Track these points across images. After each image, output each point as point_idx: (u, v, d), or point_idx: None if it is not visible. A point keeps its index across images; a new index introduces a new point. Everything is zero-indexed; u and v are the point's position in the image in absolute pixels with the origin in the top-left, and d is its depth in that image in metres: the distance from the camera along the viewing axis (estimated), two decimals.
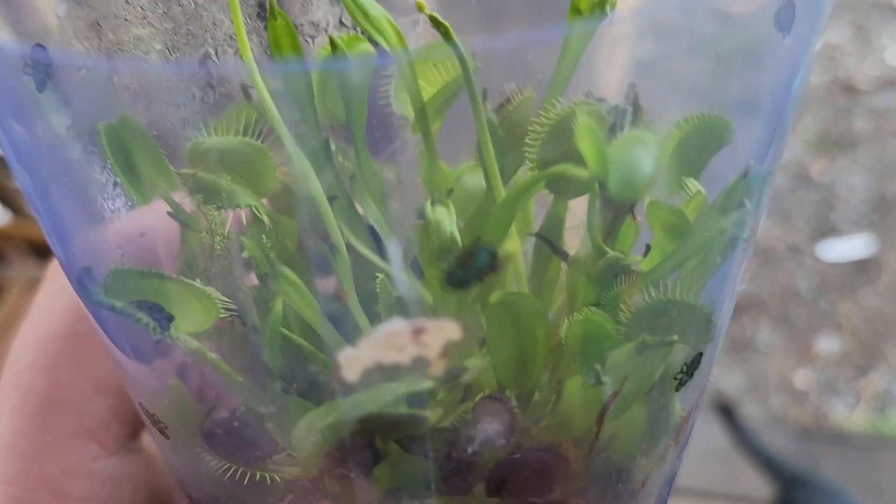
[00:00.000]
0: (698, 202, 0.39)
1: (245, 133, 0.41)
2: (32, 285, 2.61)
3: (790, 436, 3.16)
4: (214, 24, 0.48)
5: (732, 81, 0.41)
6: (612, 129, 0.40)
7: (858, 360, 3.42)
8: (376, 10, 0.42)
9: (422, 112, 0.39)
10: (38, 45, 0.39)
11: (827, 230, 3.81)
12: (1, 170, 2.79)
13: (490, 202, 0.36)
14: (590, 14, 0.37)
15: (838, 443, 3.16)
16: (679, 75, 0.43)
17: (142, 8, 0.46)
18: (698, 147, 0.40)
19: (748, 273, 3.70)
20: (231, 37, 0.47)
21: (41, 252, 3.04)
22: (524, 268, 0.40)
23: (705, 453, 3.13)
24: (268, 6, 0.39)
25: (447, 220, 0.37)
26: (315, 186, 0.37)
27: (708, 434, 3.23)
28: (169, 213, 0.40)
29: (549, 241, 0.41)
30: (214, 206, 0.39)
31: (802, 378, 3.40)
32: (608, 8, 0.36)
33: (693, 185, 0.39)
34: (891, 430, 3.21)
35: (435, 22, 0.36)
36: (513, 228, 0.35)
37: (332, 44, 0.38)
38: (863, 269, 3.67)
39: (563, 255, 0.41)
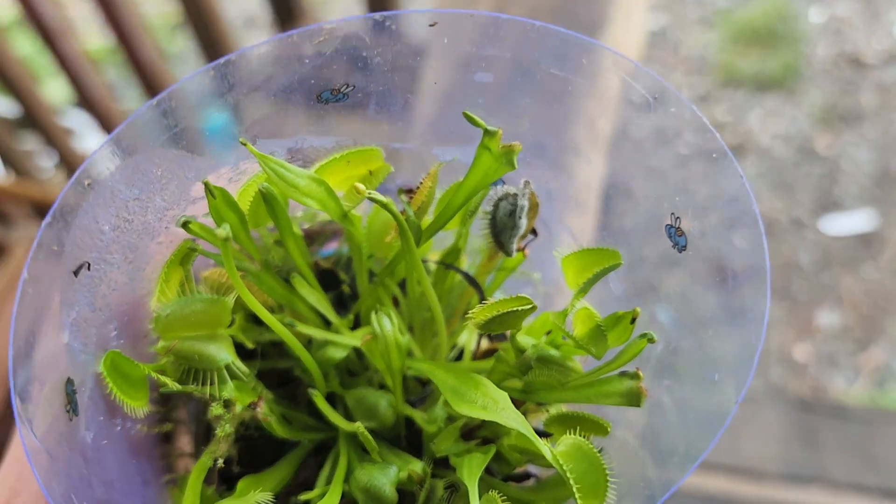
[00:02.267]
0: (586, 313, 0.56)
1: (182, 290, 0.53)
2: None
3: (789, 408, 3.19)
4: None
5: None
6: (511, 215, 0.53)
7: (859, 334, 3.43)
8: (307, 182, 0.53)
9: (360, 259, 0.62)
10: None
11: (830, 204, 3.81)
12: (5, 130, 2.81)
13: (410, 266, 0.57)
14: (495, 161, 0.49)
15: (837, 415, 3.17)
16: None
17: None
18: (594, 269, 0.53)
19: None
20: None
21: (44, 213, 3.06)
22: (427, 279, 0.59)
23: None
24: (205, 187, 0.51)
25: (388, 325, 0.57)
26: (259, 310, 0.50)
27: (704, 407, 3.25)
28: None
29: (449, 265, 0.64)
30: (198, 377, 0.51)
31: (802, 351, 3.42)
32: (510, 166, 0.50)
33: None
34: (889, 404, 3.23)
35: (375, 200, 0.49)
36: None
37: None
38: (865, 243, 3.67)
39: (463, 274, 0.65)
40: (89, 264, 0.53)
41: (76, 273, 0.52)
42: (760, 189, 3.89)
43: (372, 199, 0.52)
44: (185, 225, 0.55)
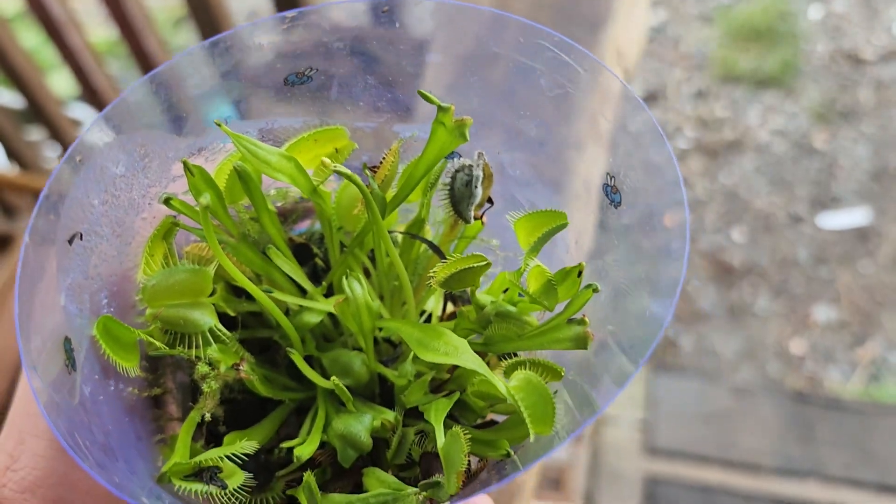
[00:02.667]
0: (539, 270, 0.60)
1: (166, 263, 0.58)
2: None
3: (786, 401, 3.21)
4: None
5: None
6: (467, 185, 0.59)
7: (855, 329, 3.45)
8: (278, 158, 0.58)
9: (330, 231, 0.67)
10: None
11: (828, 200, 3.84)
12: (9, 122, 2.85)
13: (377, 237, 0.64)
14: (450, 135, 0.55)
15: (833, 408, 3.20)
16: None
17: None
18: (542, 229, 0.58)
19: (747, 239, 3.74)
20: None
21: None
22: (395, 250, 0.64)
23: (701, 419, 3.19)
24: (183, 166, 0.56)
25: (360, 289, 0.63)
26: (238, 276, 0.55)
27: (704, 400, 3.29)
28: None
29: (413, 235, 0.69)
30: (184, 340, 0.56)
31: (799, 345, 3.44)
32: (464, 137, 0.55)
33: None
34: (886, 398, 3.25)
35: (341, 172, 0.54)
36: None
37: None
38: (862, 238, 3.69)
39: (427, 242, 0.70)
40: (81, 234, 0.58)
41: (70, 242, 0.57)
42: (758, 184, 3.92)
43: (338, 172, 0.58)
44: (166, 201, 0.60)
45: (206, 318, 0.60)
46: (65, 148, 2.88)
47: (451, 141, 0.59)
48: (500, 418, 0.68)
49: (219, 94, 0.64)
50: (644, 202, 0.57)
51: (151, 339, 0.59)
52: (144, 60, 2.42)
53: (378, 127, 0.68)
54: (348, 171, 0.57)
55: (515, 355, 0.65)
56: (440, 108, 0.59)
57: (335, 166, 0.57)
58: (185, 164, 0.58)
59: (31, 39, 4.08)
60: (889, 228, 3.73)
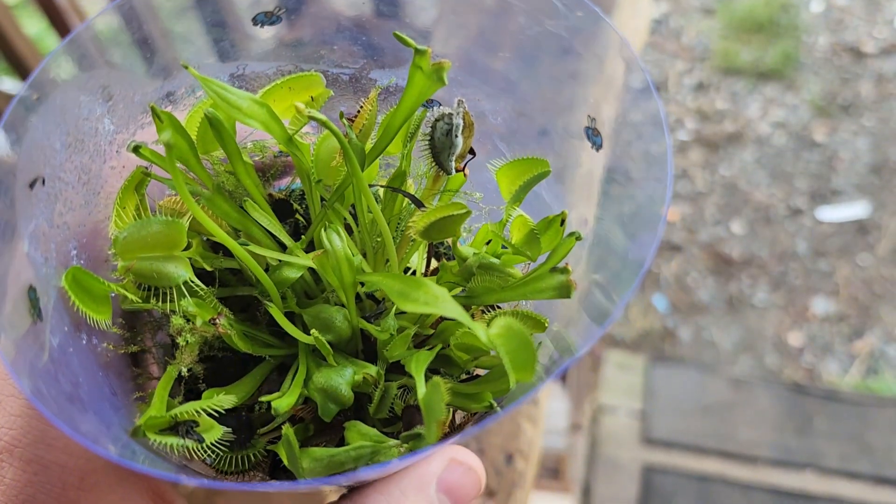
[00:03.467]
0: (522, 221, 0.60)
1: (138, 215, 0.56)
2: None
3: (784, 393, 3.20)
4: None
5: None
6: (447, 134, 0.57)
7: (854, 322, 3.44)
8: (249, 104, 0.56)
9: (310, 186, 0.65)
10: None
11: (828, 193, 3.83)
12: (6, 104, 2.84)
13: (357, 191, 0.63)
14: (427, 79, 0.53)
15: (831, 400, 3.19)
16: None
17: None
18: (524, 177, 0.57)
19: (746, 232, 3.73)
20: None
21: None
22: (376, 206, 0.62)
23: (699, 410, 3.18)
24: (152, 112, 0.54)
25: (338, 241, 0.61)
26: (213, 227, 0.53)
27: (702, 391, 3.28)
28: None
29: (395, 189, 0.67)
30: (159, 294, 0.54)
31: (797, 337, 3.43)
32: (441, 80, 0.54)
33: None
34: (883, 390, 3.24)
35: (315, 118, 0.52)
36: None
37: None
38: (862, 231, 3.68)
39: (408, 196, 0.69)
40: (44, 179, 0.56)
41: (31, 186, 0.55)
42: (759, 177, 3.91)
43: (313, 119, 0.56)
44: (135, 149, 0.58)
45: (181, 271, 0.58)
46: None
47: (429, 86, 0.58)
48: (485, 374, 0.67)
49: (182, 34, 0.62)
50: (625, 141, 0.56)
51: (125, 292, 0.57)
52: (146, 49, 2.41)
53: (355, 73, 0.67)
54: (323, 118, 0.55)
55: (500, 307, 0.64)
56: (417, 51, 0.57)
57: (309, 111, 0.56)
58: (153, 109, 0.56)
59: (33, 27, 4.07)
60: (888, 222, 3.72)
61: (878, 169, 3.88)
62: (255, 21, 0.62)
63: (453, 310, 0.51)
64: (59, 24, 2.41)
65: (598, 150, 0.58)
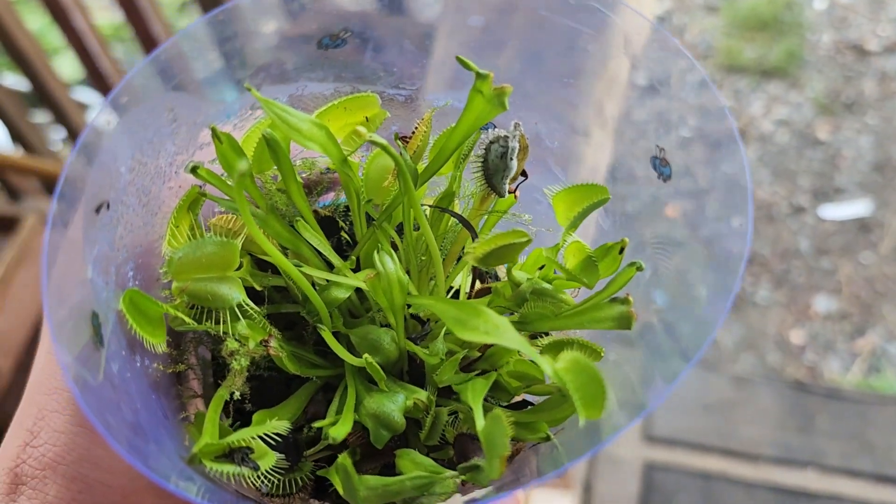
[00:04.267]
0: (577, 247, 0.60)
1: (192, 235, 0.56)
2: (45, 218, 2.66)
3: (785, 391, 3.21)
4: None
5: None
6: (502, 157, 0.56)
7: (856, 320, 3.45)
8: (309, 126, 0.56)
9: (358, 204, 0.65)
10: None
11: (831, 191, 3.83)
12: (15, 105, 2.83)
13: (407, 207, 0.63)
14: (487, 104, 0.53)
15: (832, 398, 3.19)
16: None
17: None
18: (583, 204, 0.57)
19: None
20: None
21: (52, 188, 3.10)
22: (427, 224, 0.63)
23: (701, 407, 3.18)
24: (212, 132, 0.53)
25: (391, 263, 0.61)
26: (270, 249, 0.53)
27: (703, 388, 3.28)
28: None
29: (443, 209, 0.67)
30: (212, 314, 0.54)
31: (800, 335, 3.44)
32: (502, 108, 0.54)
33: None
34: (885, 388, 3.25)
35: (375, 142, 0.52)
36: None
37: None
38: (865, 230, 3.68)
39: (457, 216, 0.68)
40: (108, 204, 0.55)
41: (97, 211, 0.54)
42: (762, 175, 3.91)
43: (372, 142, 0.55)
44: (193, 170, 0.57)
45: (235, 293, 0.58)
46: (70, 131, 2.87)
47: (489, 110, 0.57)
48: (529, 398, 0.66)
49: (242, 58, 0.61)
50: (699, 175, 0.55)
51: (179, 314, 0.57)
52: (149, 44, 2.41)
53: (411, 95, 0.66)
54: (383, 141, 0.55)
55: (548, 334, 0.63)
56: (478, 76, 0.56)
57: (370, 136, 0.55)
58: (213, 130, 0.56)
59: (36, 22, 4.05)
60: (891, 220, 3.72)
61: (881, 167, 3.88)
62: (319, 45, 0.61)
63: (516, 341, 0.50)
64: (62, 20, 2.40)
65: (665, 181, 0.58)
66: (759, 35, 4.38)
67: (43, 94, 2.73)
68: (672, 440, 3.14)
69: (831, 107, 4.11)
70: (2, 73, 3.82)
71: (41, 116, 3.72)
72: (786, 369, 3.35)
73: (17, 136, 2.93)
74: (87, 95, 3.95)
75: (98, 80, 2.61)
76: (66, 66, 3.97)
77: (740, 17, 4.47)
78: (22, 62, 2.58)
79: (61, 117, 2.82)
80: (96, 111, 0.52)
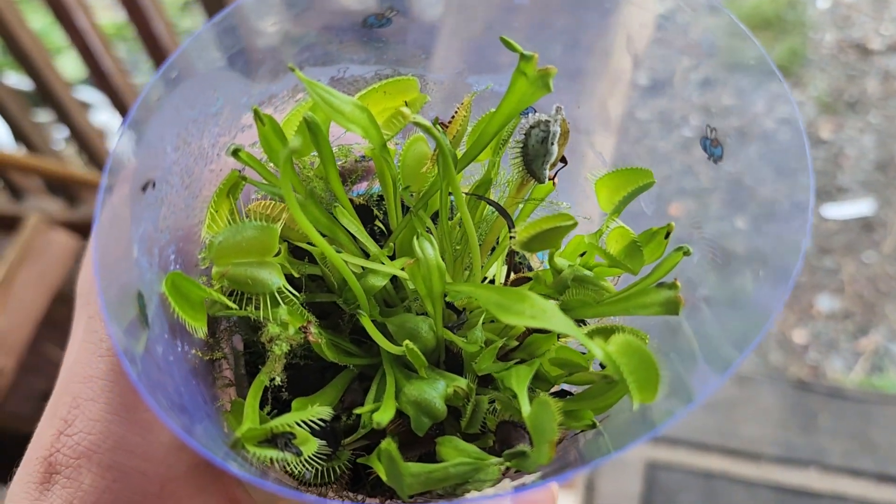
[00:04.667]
0: (620, 232, 0.59)
1: (232, 219, 0.55)
2: (48, 217, 2.65)
3: (788, 390, 3.21)
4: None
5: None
6: (543, 142, 0.55)
7: (859, 319, 3.45)
8: (352, 108, 0.55)
9: (394, 190, 0.64)
10: None
11: (834, 190, 3.83)
12: (17, 104, 2.82)
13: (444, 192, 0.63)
14: (531, 85, 0.52)
15: (835, 397, 3.19)
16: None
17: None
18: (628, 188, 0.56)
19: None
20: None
21: (54, 187, 3.09)
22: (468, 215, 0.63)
23: (703, 407, 3.17)
24: (254, 114, 0.53)
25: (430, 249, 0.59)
26: (313, 234, 0.52)
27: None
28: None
29: (480, 196, 0.67)
30: (251, 300, 0.53)
31: (802, 335, 3.44)
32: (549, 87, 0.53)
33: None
34: (887, 387, 3.25)
35: (418, 124, 0.51)
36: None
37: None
38: (867, 229, 3.68)
39: (493, 204, 0.67)
40: (154, 183, 0.55)
41: (143, 189, 0.53)
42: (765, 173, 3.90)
43: (416, 124, 0.55)
44: (234, 152, 0.56)
45: (275, 278, 0.57)
46: (72, 130, 2.85)
47: (533, 92, 0.56)
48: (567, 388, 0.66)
49: (287, 36, 0.60)
50: (752, 157, 0.54)
51: (222, 298, 0.56)
52: (152, 43, 2.40)
53: (450, 78, 0.65)
54: (427, 123, 0.54)
55: (585, 322, 0.62)
56: (522, 57, 0.55)
57: (414, 117, 0.54)
58: (255, 112, 0.55)
59: (38, 21, 4.04)
60: (894, 219, 3.72)
61: (883, 166, 3.88)
62: (365, 24, 0.60)
63: (564, 324, 0.49)
64: (65, 19, 2.39)
65: (716, 161, 0.57)
66: (762, 33, 4.38)
67: (45, 94, 2.72)
68: (674, 439, 3.13)
69: (834, 106, 4.11)
70: (4, 72, 3.81)
71: (44, 116, 3.71)
72: (788, 368, 3.35)
73: (19, 135, 2.92)
74: (89, 95, 3.94)
75: (100, 79, 2.60)
76: (69, 65, 3.97)
77: (743, 15, 4.46)
78: (25, 61, 2.57)
79: (64, 116, 2.81)
80: (148, 84, 0.51)
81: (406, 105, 0.62)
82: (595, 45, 0.61)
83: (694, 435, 3.13)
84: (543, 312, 0.50)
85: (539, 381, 0.63)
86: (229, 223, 0.57)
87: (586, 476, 3.03)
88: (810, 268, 3.61)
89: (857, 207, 3.79)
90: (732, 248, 0.57)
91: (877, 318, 3.45)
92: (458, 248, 0.67)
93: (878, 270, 3.58)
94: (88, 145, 2.92)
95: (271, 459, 0.53)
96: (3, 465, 0.85)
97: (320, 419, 0.57)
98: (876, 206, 3.77)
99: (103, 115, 3.97)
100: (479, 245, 0.69)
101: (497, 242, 0.69)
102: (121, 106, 2.70)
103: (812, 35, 4.38)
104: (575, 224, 0.55)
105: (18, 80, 3.57)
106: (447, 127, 0.61)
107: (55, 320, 2.56)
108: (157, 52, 2.43)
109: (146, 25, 2.35)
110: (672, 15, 0.58)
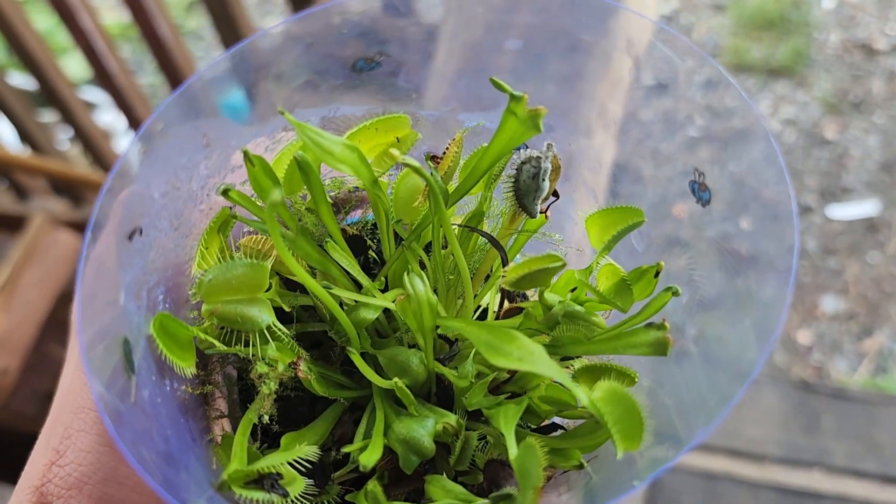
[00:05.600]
0: (610, 269, 0.60)
1: (222, 257, 0.55)
2: (52, 217, 2.66)
3: (791, 391, 3.20)
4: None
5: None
6: (534, 178, 0.56)
7: (863, 320, 3.44)
8: (341, 149, 0.55)
9: (387, 222, 0.64)
10: None
11: (838, 191, 3.82)
12: (22, 104, 2.83)
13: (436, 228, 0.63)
14: (521, 125, 0.52)
15: (839, 398, 3.19)
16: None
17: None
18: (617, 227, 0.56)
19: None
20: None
21: (59, 188, 3.10)
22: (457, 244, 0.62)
23: None
24: (244, 156, 0.53)
25: (420, 285, 0.60)
26: (301, 274, 0.52)
27: (707, 387, 3.26)
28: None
29: (473, 228, 0.67)
30: (241, 336, 0.54)
31: (806, 335, 3.43)
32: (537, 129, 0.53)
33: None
34: (892, 388, 3.24)
35: (407, 164, 0.51)
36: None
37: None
38: (872, 229, 3.67)
39: (486, 236, 0.67)
40: (141, 230, 0.55)
41: (130, 238, 0.54)
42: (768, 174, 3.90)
43: (405, 164, 0.55)
44: (224, 192, 0.56)
45: (264, 316, 0.57)
46: (77, 130, 2.86)
47: (523, 132, 0.56)
48: (558, 420, 0.66)
49: (277, 81, 0.61)
50: (740, 202, 0.54)
51: (208, 338, 0.56)
52: (156, 44, 2.40)
53: (442, 116, 0.65)
54: (416, 163, 0.54)
55: (578, 357, 0.62)
56: (512, 97, 0.55)
57: (402, 158, 0.54)
58: (245, 153, 0.55)
59: (43, 22, 4.05)
60: None
61: (888, 167, 3.87)
62: (354, 68, 0.61)
63: (550, 369, 0.49)
64: (69, 20, 2.39)
65: (704, 206, 0.57)
66: (767, 34, 4.36)
67: (50, 94, 2.73)
68: None
69: (839, 106, 4.10)
70: (9, 72, 3.81)
71: (48, 116, 3.72)
72: (792, 369, 3.35)
73: (24, 135, 2.93)
74: (94, 95, 3.95)
75: (105, 79, 2.61)
76: (74, 65, 3.97)
77: (747, 15, 4.45)
78: (29, 62, 2.58)
79: (68, 117, 2.82)
80: (132, 140, 0.52)
81: (398, 141, 0.62)
82: (595, 49, 0.61)
83: None
84: (531, 355, 0.50)
85: (529, 415, 0.63)
86: (219, 260, 0.58)
87: None
88: (814, 268, 3.60)
89: (862, 208, 3.78)
90: (720, 287, 0.57)
91: (881, 318, 3.45)
92: (451, 277, 0.67)
93: (883, 271, 3.57)
94: (93, 145, 2.93)
95: (258, 501, 0.53)
96: (7, 464, 0.85)
97: (314, 457, 0.57)
98: (881, 206, 3.76)
99: (108, 116, 3.98)
100: (473, 274, 0.69)
101: (491, 271, 0.69)
102: (125, 106, 2.70)
103: (817, 35, 4.37)
104: (563, 265, 0.55)
105: (23, 81, 3.57)
106: (439, 162, 0.61)
107: (59, 320, 2.57)
108: (161, 52, 2.43)
109: (150, 26, 2.36)
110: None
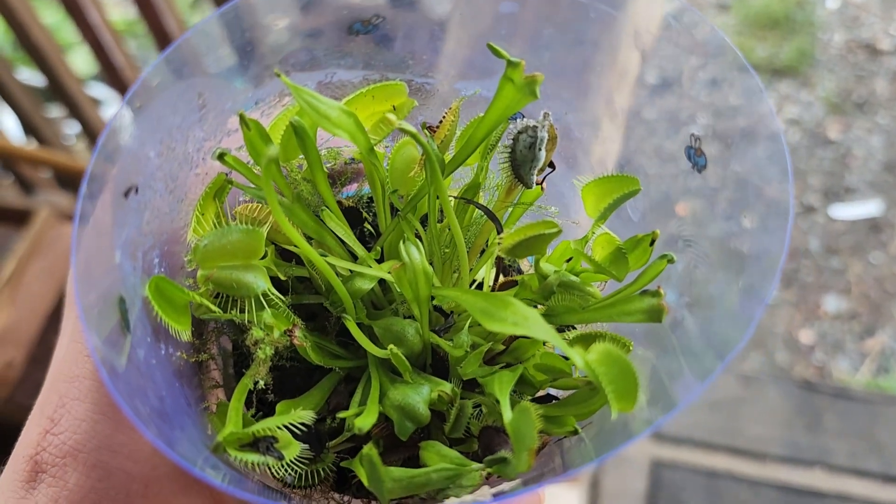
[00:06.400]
0: (606, 238, 0.59)
1: (218, 223, 0.55)
2: (58, 211, 2.66)
3: (793, 390, 3.20)
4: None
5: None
6: (531, 147, 0.56)
7: (865, 320, 3.44)
8: (338, 113, 0.55)
9: (383, 193, 0.64)
10: None
11: (841, 190, 3.81)
12: (29, 99, 2.83)
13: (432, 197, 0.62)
14: (518, 92, 0.52)
15: (841, 397, 3.18)
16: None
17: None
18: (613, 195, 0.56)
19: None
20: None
21: (64, 181, 3.10)
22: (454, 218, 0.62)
23: (708, 405, 3.17)
24: (240, 119, 0.53)
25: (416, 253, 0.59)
26: (297, 239, 0.52)
27: (710, 386, 3.25)
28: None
29: (468, 200, 0.67)
30: (236, 303, 0.54)
31: (808, 335, 3.43)
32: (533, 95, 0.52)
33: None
34: (894, 388, 3.24)
35: (404, 130, 0.52)
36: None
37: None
38: (875, 229, 3.67)
39: (482, 208, 0.67)
40: (137, 188, 0.55)
41: (126, 195, 0.53)
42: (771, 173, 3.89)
43: (402, 130, 0.54)
44: (220, 157, 0.56)
45: (260, 282, 0.57)
46: (84, 125, 2.86)
47: (520, 99, 0.56)
48: (553, 392, 0.66)
49: (272, 43, 0.61)
50: (736, 167, 0.54)
51: (205, 302, 0.56)
52: (163, 39, 2.41)
53: (438, 83, 0.65)
54: (413, 129, 0.54)
55: (574, 328, 0.62)
56: (509, 63, 0.55)
57: (399, 123, 0.54)
58: (241, 117, 0.55)
59: (51, 17, 4.06)
60: None
61: (891, 167, 3.87)
62: (350, 30, 0.60)
63: (545, 332, 0.49)
64: (77, 15, 2.40)
65: (699, 171, 0.57)
66: (771, 33, 4.36)
67: (57, 89, 2.73)
68: (679, 438, 3.13)
69: (842, 106, 4.09)
70: (17, 67, 3.82)
71: (55, 111, 3.73)
72: (794, 368, 3.34)
73: (31, 130, 2.93)
74: (100, 90, 3.95)
75: (112, 74, 2.61)
76: (81, 60, 3.98)
77: (752, 15, 4.45)
78: (37, 57, 2.58)
79: (75, 112, 2.82)
80: (127, 95, 0.51)
81: (394, 109, 0.62)
82: (601, 40, 0.61)
83: (699, 434, 3.12)
84: (526, 320, 0.50)
85: (524, 386, 0.63)
86: (215, 226, 0.58)
87: (591, 473, 3.02)
88: (817, 268, 3.60)
89: (865, 208, 3.78)
90: (714, 259, 0.57)
91: (883, 318, 3.44)
92: (446, 251, 0.67)
93: (885, 271, 3.56)
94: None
95: (253, 463, 0.53)
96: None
97: (309, 421, 0.57)
98: (884, 206, 3.75)
99: (114, 111, 3.98)
100: (469, 248, 0.69)
101: (486, 245, 0.69)
102: None
103: (821, 35, 4.36)
104: (559, 232, 0.55)
105: (31, 76, 3.58)
106: (435, 131, 0.61)
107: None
108: (167, 48, 2.43)
109: (157, 21, 2.37)
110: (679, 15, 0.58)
